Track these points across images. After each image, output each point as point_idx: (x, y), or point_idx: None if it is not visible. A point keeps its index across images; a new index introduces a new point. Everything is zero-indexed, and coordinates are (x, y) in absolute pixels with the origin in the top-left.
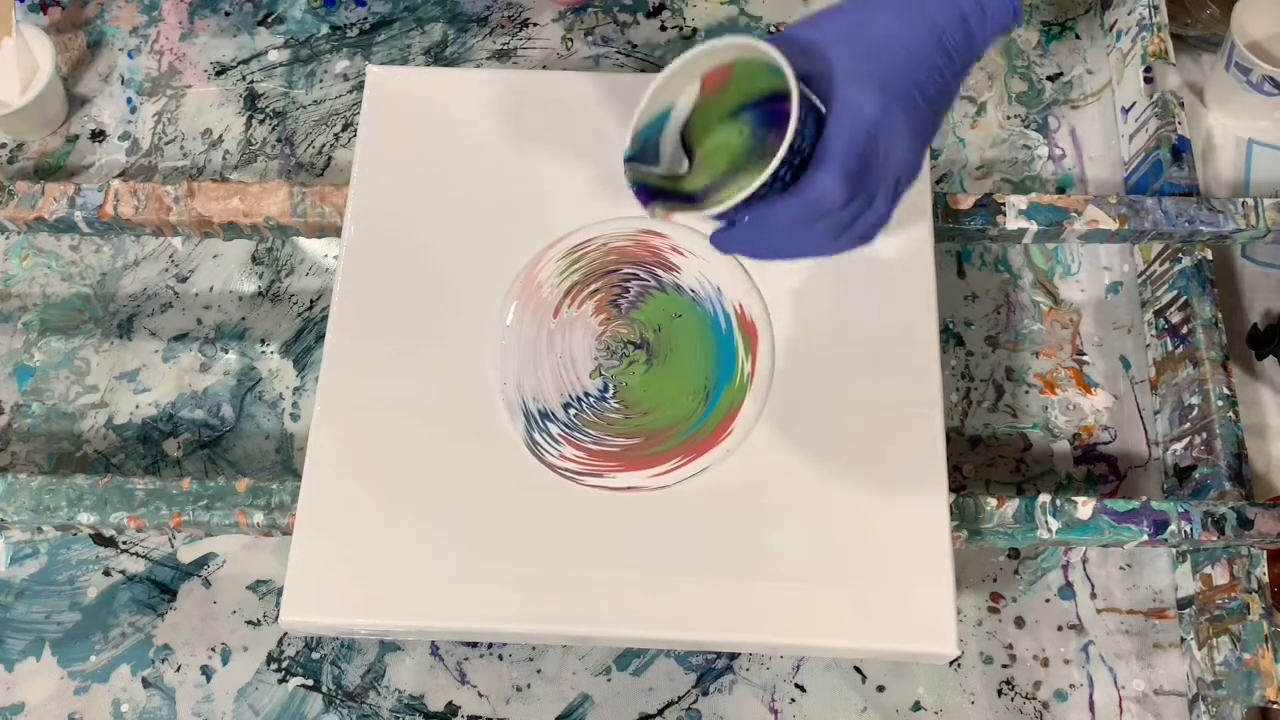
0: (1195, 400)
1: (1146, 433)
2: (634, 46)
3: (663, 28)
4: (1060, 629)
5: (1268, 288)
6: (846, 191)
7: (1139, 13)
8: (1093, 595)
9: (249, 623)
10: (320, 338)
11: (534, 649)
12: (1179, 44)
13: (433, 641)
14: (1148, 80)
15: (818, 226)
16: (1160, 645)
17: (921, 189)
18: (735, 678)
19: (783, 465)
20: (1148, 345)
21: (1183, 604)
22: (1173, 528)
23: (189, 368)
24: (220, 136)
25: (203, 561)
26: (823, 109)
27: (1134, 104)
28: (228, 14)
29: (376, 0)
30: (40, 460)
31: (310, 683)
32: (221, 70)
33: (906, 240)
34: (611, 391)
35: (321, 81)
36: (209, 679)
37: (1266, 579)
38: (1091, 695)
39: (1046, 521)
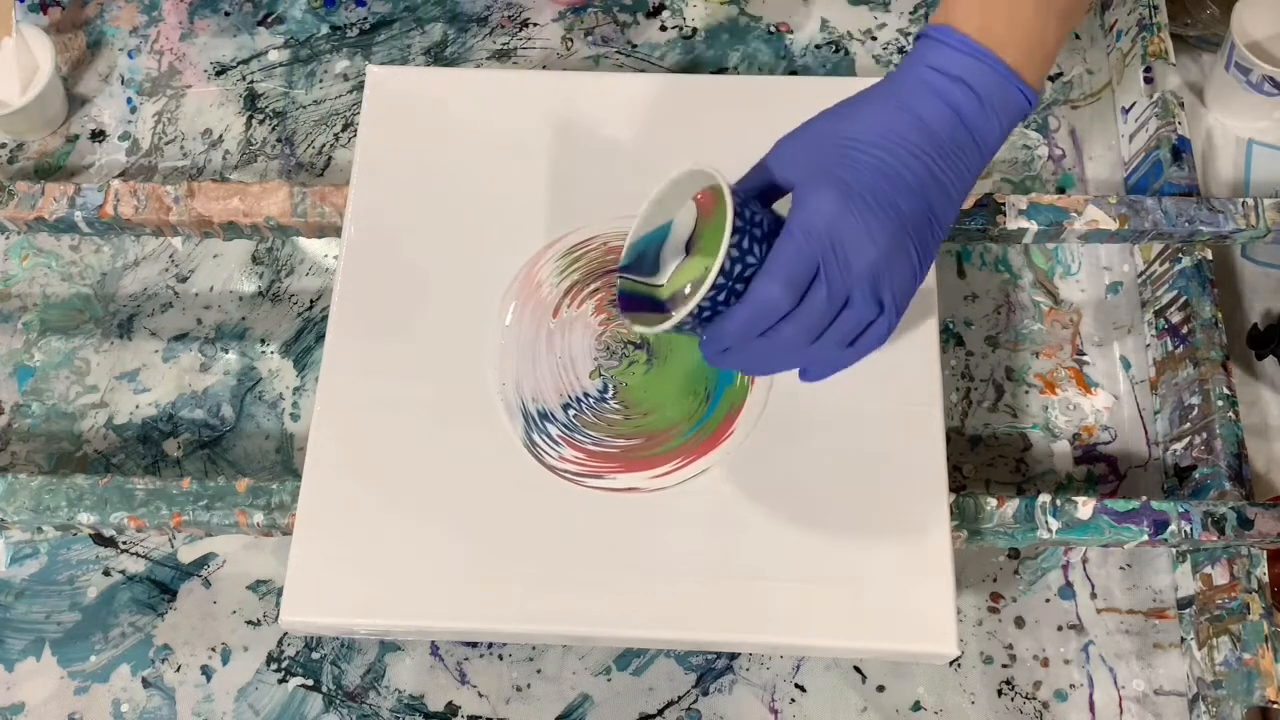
0: (1195, 400)
1: (1146, 433)
2: (634, 46)
3: (663, 28)
4: (1060, 629)
5: (1268, 288)
6: (787, 296)
7: (1139, 13)
8: (1093, 595)
9: (249, 623)
10: (320, 338)
11: (534, 649)
12: (1179, 44)
13: (433, 641)
14: (1148, 80)
15: (785, 333)
16: (1160, 645)
17: None
18: (735, 678)
19: (783, 466)
20: (1148, 345)
21: (1183, 604)
22: (1173, 528)
23: (189, 368)
24: (220, 136)
25: (203, 561)
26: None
27: (1134, 104)
28: (228, 14)
29: (376, 0)
30: (40, 460)
31: (310, 683)
32: (221, 70)
33: None
34: (611, 392)
35: (321, 81)
36: (209, 679)
37: (1266, 579)
38: (1091, 695)
39: (1046, 521)
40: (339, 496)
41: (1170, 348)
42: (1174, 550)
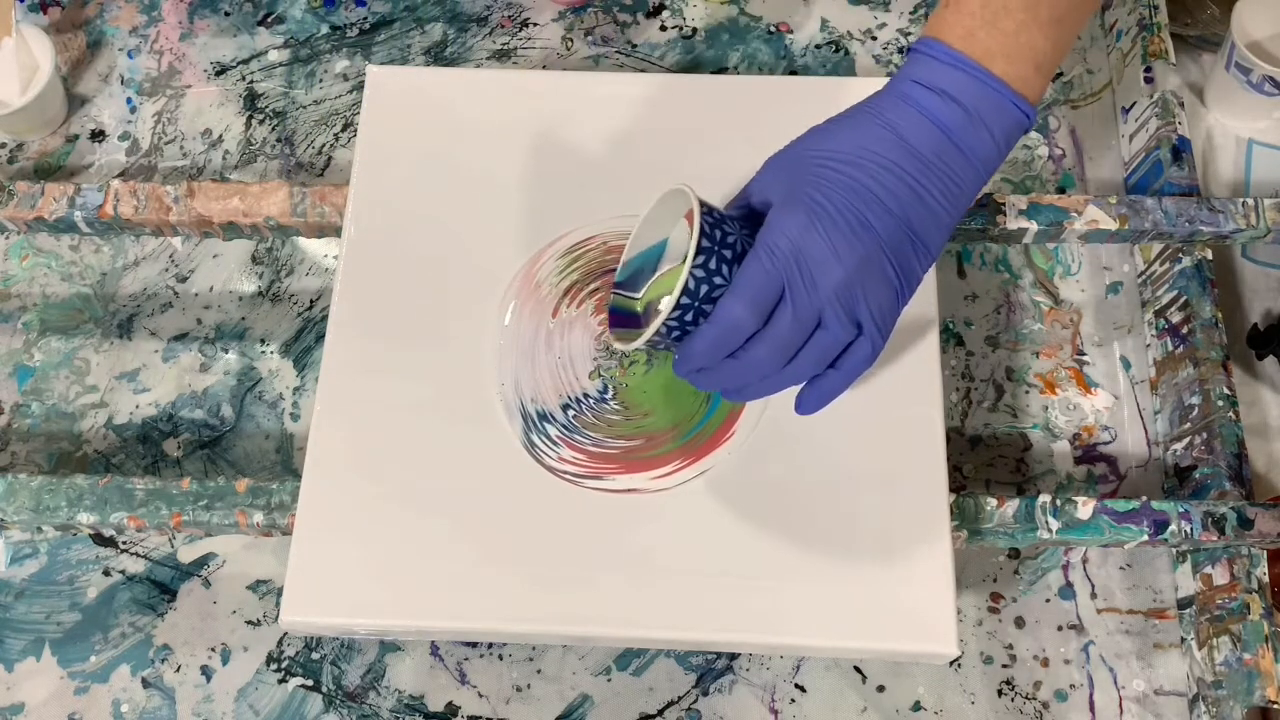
0: (1195, 400)
1: (1146, 433)
2: (634, 46)
3: (663, 28)
4: (1060, 629)
5: (1268, 288)
6: (751, 315)
7: (1139, 13)
8: (1093, 595)
9: (249, 623)
10: (320, 338)
11: (534, 649)
12: (1179, 44)
13: (433, 641)
14: (1148, 80)
15: (755, 354)
16: (1160, 645)
17: None
18: (735, 678)
19: (783, 466)
20: (1148, 345)
21: (1183, 604)
22: (1173, 528)
23: (189, 368)
24: (220, 136)
25: (203, 561)
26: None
27: (1134, 104)
28: (228, 14)
29: (376, 0)
30: (40, 460)
31: (310, 683)
32: (221, 70)
33: None
34: (611, 393)
35: (321, 81)
36: (209, 679)
37: (1266, 579)
38: (1091, 695)
39: (1046, 521)
40: (339, 496)
41: (1170, 348)
42: (1174, 550)
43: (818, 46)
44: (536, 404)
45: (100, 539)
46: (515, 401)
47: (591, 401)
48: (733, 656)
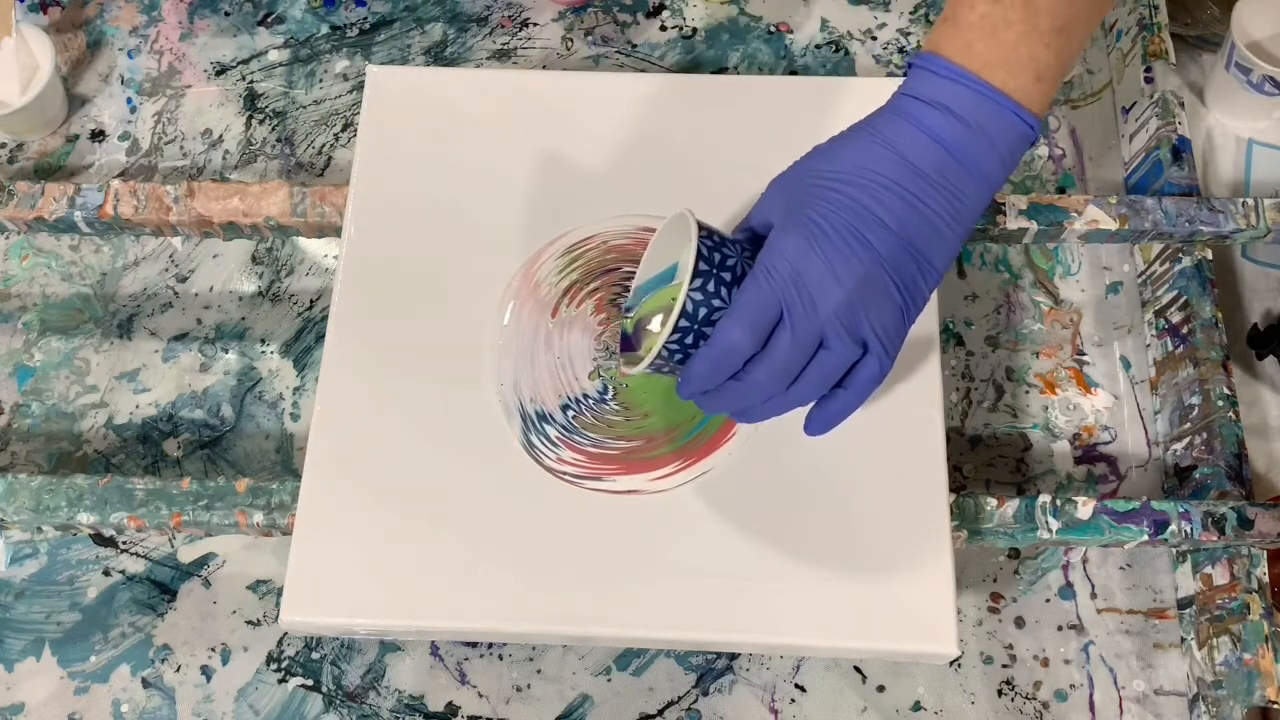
0: (1195, 400)
1: (1146, 433)
2: (634, 46)
3: (663, 28)
4: (1060, 629)
5: (1268, 288)
6: (749, 338)
7: (1139, 13)
8: (1093, 595)
9: (249, 623)
10: (320, 338)
11: (534, 649)
12: (1179, 44)
13: (433, 641)
14: (1148, 80)
15: (756, 376)
16: (1160, 645)
17: None
18: (735, 678)
19: (783, 467)
20: (1148, 345)
21: (1183, 604)
22: (1173, 528)
23: (189, 368)
24: (220, 136)
25: (203, 561)
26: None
27: (1134, 104)
28: (228, 14)
29: (376, 0)
30: (40, 460)
31: (310, 683)
32: (221, 70)
33: None
34: (611, 393)
35: (321, 81)
36: (209, 679)
37: (1266, 579)
38: (1091, 695)
39: (1046, 521)
40: (339, 496)
41: (1170, 348)
42: (1174, 550)
43: (818, 46)
44: (536, 404)
45: (100, 539)
46: (514, 402)
47: (591, 402)
48: (733, 656)
